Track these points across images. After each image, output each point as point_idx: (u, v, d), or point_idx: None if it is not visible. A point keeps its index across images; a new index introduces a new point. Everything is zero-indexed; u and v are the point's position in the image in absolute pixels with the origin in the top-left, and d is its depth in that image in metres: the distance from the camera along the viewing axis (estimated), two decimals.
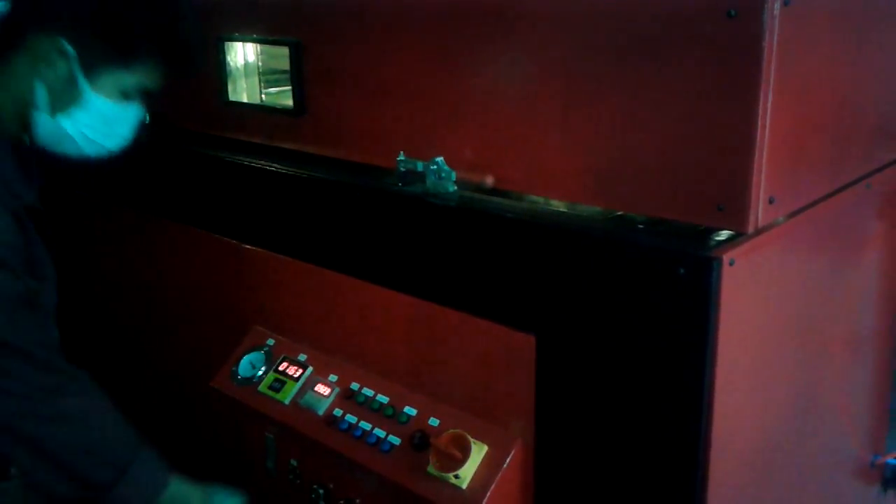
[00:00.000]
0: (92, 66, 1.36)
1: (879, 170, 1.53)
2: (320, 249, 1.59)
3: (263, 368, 1.67)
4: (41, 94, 1.37)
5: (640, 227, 1.21)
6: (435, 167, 1.43)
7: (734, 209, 1.11)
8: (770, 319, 1.27)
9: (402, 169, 1.50)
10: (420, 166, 1.46)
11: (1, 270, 1.31)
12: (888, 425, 1.86)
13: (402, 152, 1.51)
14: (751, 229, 1.12)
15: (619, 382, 1.20)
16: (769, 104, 1.08)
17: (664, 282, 1.12)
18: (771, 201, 1.13)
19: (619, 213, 1.25)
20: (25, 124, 1.40)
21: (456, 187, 1.42)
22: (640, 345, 1.16)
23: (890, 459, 1.82)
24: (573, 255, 1.21)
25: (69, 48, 1.33)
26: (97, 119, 1.40)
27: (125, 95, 1.42)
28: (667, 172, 1.16)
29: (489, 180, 1.38)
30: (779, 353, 1.33)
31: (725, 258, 1.08)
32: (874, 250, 1.63)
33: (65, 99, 1.37)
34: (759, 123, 1.08)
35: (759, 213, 1.12)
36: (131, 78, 1.41)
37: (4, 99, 1.38)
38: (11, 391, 1.31)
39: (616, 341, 1.19)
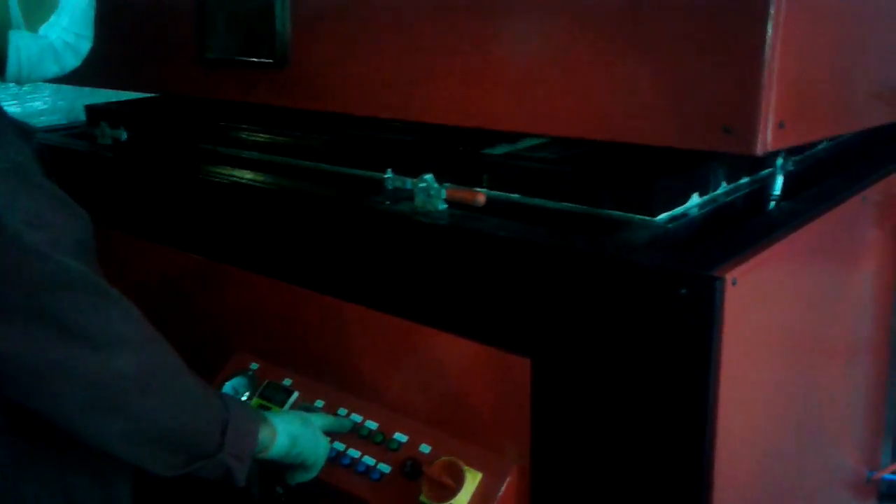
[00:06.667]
0: None
1: (874, 181, 1.51)
2: (305, 270, 1.54)
3: (247, 394, 1.62)
4: (15, 9, 1.23)
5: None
6: (424, 185, 1.39)
7: (742, 129, 1.05)
8: (771, 336, 1.24)
9: (390, 187, 1.46)
10: (409, 184, 1.42)
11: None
12: (883, 440, 1.84)
13: (389, 170, 1.47)
14: (760, 151, 1.05)
15: (617, 407, 1.16)
16: (781, 17, 1.02)
17: (665, 302, 1.08)
18: (781, 125, 1.07)
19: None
20: None
21: (446, 205, 1.38)
22: (639, 368, 1.13)
23: (886, 475, 1.80)
24: (569, 275, 1.18)
25: None
26: (76, 18, 1.30)
27: None
28: (669, 95, 1.10)
29: (480, 199, 1.35)
30: (779, 370, 1.30)
31: (728, 277, 1.05)
32: (869, 264, 1.61)
33: (42, 6, 1.27)
34: (771, 35, 1.01)
35: (769, 136, 1.05)
36: None
37: None
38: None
39: (615, 364, 1.15)
